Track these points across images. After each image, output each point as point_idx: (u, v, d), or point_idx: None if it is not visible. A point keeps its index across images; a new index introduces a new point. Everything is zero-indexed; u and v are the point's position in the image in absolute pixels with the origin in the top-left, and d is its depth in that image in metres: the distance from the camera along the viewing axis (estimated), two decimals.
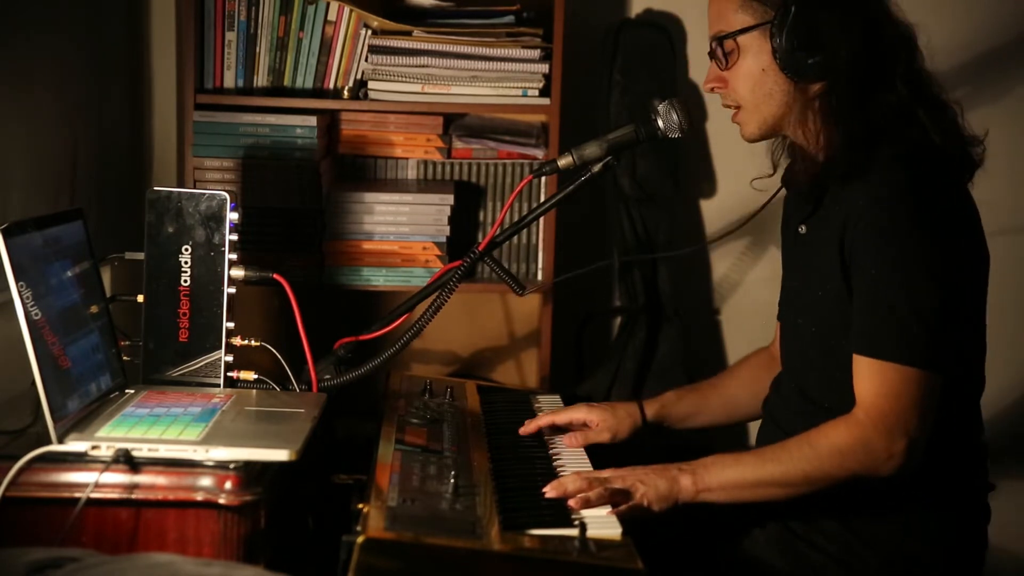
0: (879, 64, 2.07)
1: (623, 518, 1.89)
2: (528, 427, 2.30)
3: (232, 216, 2.26)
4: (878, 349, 1.98)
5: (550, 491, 1.94)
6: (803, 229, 2.18)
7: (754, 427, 2.40)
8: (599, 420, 2.32)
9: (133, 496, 1.83)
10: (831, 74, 2.06)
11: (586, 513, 1.88)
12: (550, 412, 2.35)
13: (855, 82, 2.06)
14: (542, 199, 2.98)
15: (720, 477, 2.00)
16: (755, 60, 2.10)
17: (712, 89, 2.18)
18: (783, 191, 2.31)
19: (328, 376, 2.36)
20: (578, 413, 2.33)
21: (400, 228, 2.95)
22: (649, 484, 1.99)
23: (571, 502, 1.90)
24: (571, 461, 2.17)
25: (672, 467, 2.02)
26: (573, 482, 1.95)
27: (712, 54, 2.16)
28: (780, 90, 2.10)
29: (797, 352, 2.20)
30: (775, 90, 2.10)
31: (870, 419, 1.97)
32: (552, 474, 2.07)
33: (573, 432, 2.29)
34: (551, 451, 2.22)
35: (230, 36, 2.92)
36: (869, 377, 1.99)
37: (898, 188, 2.00)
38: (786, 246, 2.30)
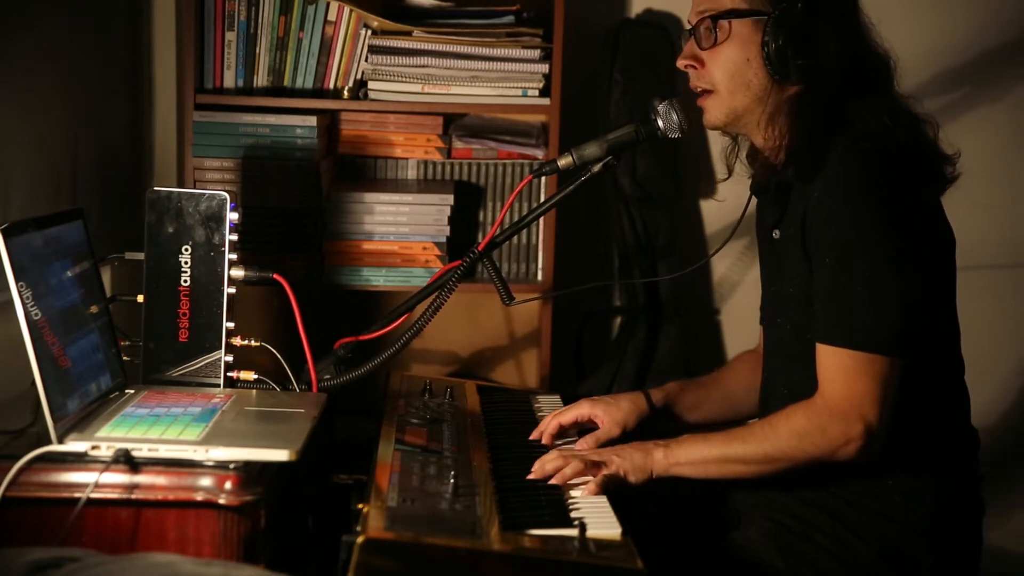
0: (860, 77, 2.07)
1: (602, 489, 1.96)
2: (537, 435, 2.27)
3: (232, 216, 2.26)
4: (834, 336, 2.01)
5: (532, 475, 2.01)
6: (776, 234, 2.19)
7: None
8: (604, 415, 2.29)
9: (133, 496, 1.83)
10: (812, 79, 2.06)
11: (585, 512, 1.88)
12: (555, 414, 2.29)
13: (833, 90, 2.06)
14: (542, 199, 2.99)
15: (690, 453, 2.06)
16: (740, 48, 2.09)
17: (685, 67, 2.16)
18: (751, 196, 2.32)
19: (328, 376, 2.36)
20: (582, 410, 2.29)
21: (400, 228, 2.95)
22: (624, 456, 2.06)
23: (563, 477, 1.99)
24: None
25: (649, 442, 2.09)
26: (551, 460, 2.03)
27: (693, 31, 2.14)
28: (758, 83, 2.10)
29: (783, 353, 2.21)
30: (753, 82, 2.10)
31: (826, 405, 2.01)
32: (552, 474, 2.06)
33: (584, 438, 2.26)
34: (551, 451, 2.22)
35: (230, 36, 2.92)
36: (827, 364, 2.02)
37: (850, 176, 2.01)
38: (762, 252, 2.30)
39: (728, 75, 2.11)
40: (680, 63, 2.16)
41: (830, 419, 1.99)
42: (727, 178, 2.32)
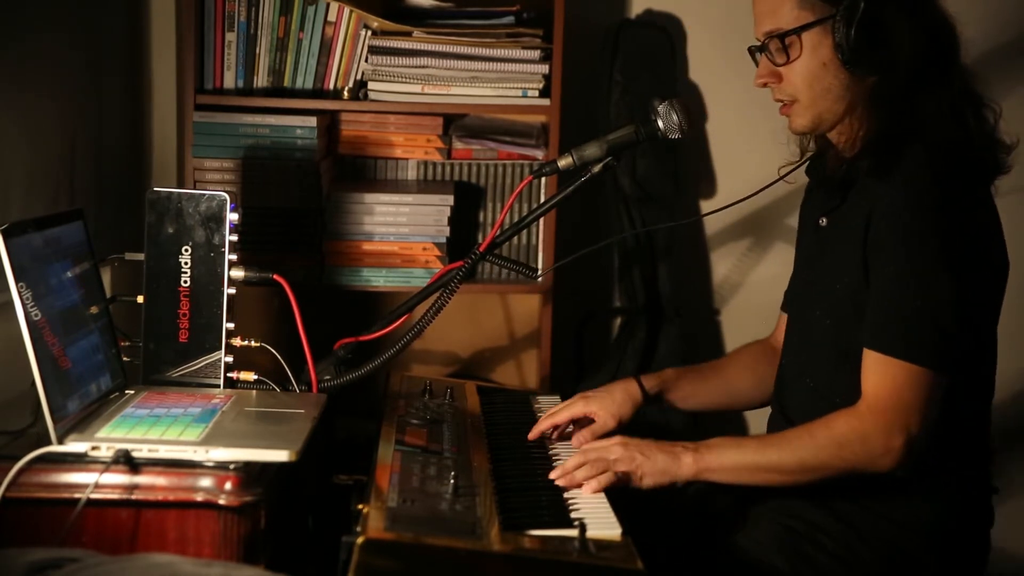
0: (936, 58, 2.05)
1: (612, 485, 1.96)
2: (533, 434, 2.27)
3: (232, 216, 2.26)
4: (887, 345, 1.99)
5: (561, 481, 2.00)
6: (823, 222, 2.17)
7: (755, 418, 2.40)
8: (599, 409, 2.29)
9: (133, 496, 1.83)
10: (891, 68, 2.04)
11: (585, 512, 1.88)
12: (549, 415, 2.30)
13: (912, 76, 2.04)
14: (542, 199, 2.99)
15: (721, 459, 2.03)
16: (814, 55, 2.08)
17: (765, 84, 2.15)
18: (779, 181, 2.30)
19: (328, 377, 2.36)
20: (575, 409, 2.29)
21: (400, 229, 2.95)
22: (650, 456, 2.03)
23: (570, 479, 1.98)
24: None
25: (677, 445, 2.05)
26: (574, 462, 2.02)
27: (761, 49, 2.13)
28: (838, 84, 2.08)
29: (809, 344, 2.19)
30: (833, 85, 2.08)
31: (871, 413, 1.99)
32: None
33: (579, 431, 2.26)
34: (551, 451, 2.22)
35: (230, 36, 2.92)
36: (876, 372, 2.00)
37: (924, 187, 2.00)
38: (803, 238, 2.28)
39: (808, 84, 2.09)
40: (757, 82, 2.15)
41: (873, 427, 1.97)
42: (800, 160, 2.28)
